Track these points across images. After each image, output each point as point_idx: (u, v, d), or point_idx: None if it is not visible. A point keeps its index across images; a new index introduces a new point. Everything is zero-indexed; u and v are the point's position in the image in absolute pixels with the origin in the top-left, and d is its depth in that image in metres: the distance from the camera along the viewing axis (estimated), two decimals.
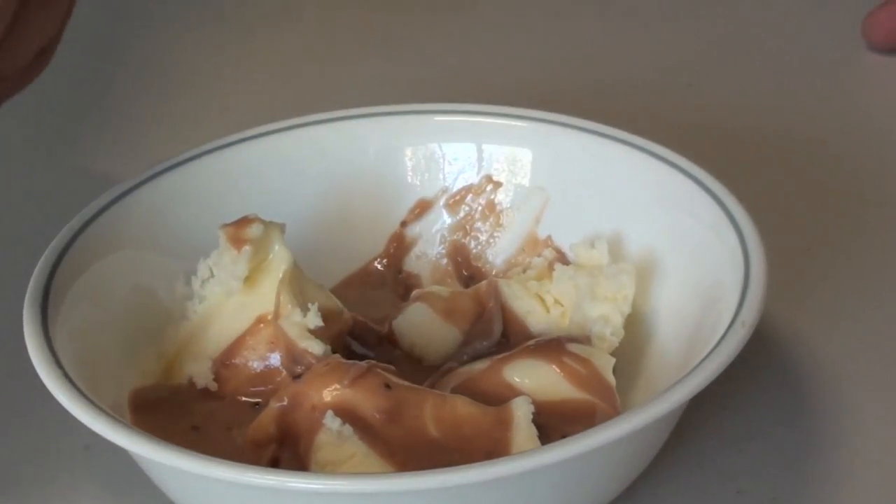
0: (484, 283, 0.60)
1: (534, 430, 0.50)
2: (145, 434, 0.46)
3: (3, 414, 0.60)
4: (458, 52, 0.97)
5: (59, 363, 0.49)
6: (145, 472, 0.51)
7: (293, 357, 0.54)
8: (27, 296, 0.53)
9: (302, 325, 0.54)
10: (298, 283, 0.56)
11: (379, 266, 0.66)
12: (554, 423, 0.51)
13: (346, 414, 0.49)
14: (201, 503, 0.50)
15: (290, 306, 0.54)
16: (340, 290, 0.63)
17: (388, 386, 0.50)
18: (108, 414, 0.47)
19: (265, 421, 0.51)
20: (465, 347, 0.58)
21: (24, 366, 0.51)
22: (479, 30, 1.01)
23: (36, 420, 0.59)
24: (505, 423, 0.50)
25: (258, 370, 0.55)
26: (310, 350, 0.53)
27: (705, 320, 0.52)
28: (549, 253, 0.63)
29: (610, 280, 0.56)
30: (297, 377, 0.52)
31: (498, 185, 0.65)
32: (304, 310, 0.54)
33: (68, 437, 0.57)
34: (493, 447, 0.49)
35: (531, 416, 0.50)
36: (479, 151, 0.65)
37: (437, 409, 0.50)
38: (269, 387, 0.54)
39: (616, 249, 0.59)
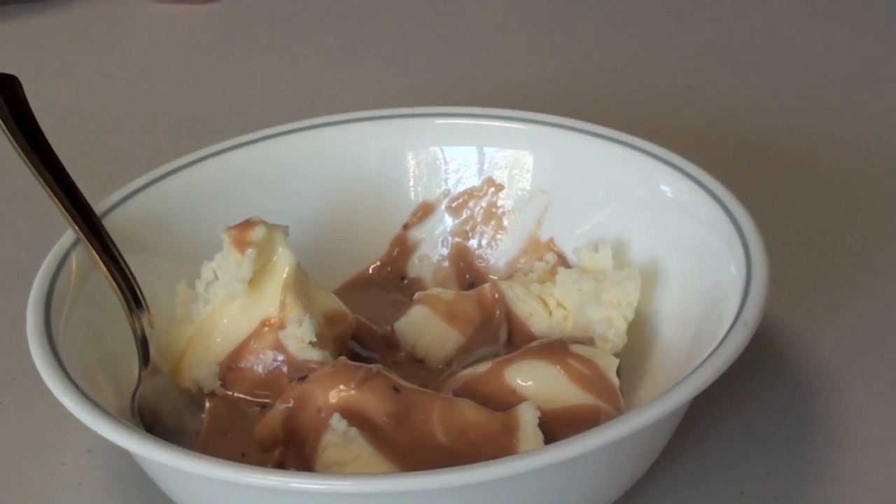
0: (487, 285, 0.60)
1: (539, 435, 0.50)
2: (149, 436, 0.47)
3: (6, 417, 0.60)
4: (459, 56, 0.97)
5: (62, 366, 0.49)
6: (148, 474, 0.51)
7: (294, 367, 0.54)
8: (30, 299, 0.53)
9: (299, 338, 0.54)
10: (302, 286, 0.56)
11: (381, 269, 0.66)
12: (559, 427, 0.51)
13: (353, 416, 0.49)
14: None
15: (295, 309, 0.55)
16: (343, 292, 0.63)
17: (396, 389, 0.50)
18: (111, 416, 0.47)
19: (271, 422, 0.51)
20: (469, 353, 0.58)
21: (27, 369, 0.51)
22: (479, 34, 1.01)
23: (39, 423, 0.59)
24: (511, 429, 0.50)
25: (263, 374, 0.55)
26: (309, 359, 0.54)
27: (707, 321, 0.53)
28: (550, 257, 0.63)
29: (615, 286, 0.57)
30: (301, 379, 0.52)
31: (499, 187, 0.65)
32: (305, 317, 0.54)
33: (71, 440, 0.57)
34: (499, 452, 0.49)
35: (537, 421, 0.50)
36: (481, 154, 0.65)
37: (445, 414, 0.50)
38: (275, 391, 0.54)
39: (618, 251, 0.60)
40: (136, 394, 0.53)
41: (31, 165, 0.58)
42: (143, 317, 0.55)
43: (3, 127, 0.58)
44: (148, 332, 0.55)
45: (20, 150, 0.58)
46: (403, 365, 0.58)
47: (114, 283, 0.55)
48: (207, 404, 0.55)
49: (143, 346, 0.55)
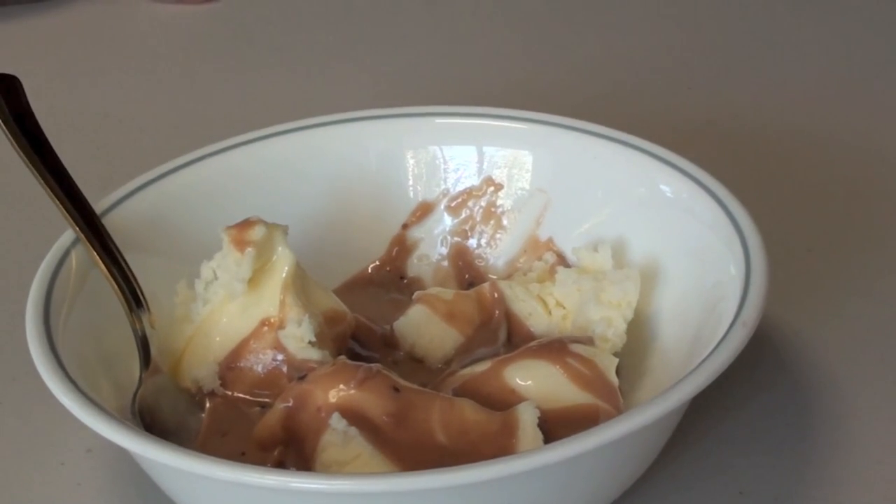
0: (486, 284, 0.60)
1: (539, 435, 0.50)
2: (149, 436, 0.47)
3: (6, 417, 0.60)
4: (459, 56, 0.97)
5: (62, 366, 0.49)
6: (148, 474, 0.51)
7: (294, 367, 0.54)
8: (30, 299, 0.53)
9: (298, 338, 0.54)
10: (302, 285, 0.56)
11: (381, 268, 0.66)
12: (558, 427, 0.51)
13: (353, 415, 0.49)
14: None
15: (294, 308, 0.55)
16: (343, 292, 0.63)
17: (396, 389, 0.50)
18: (111, 416, 0.47)
19: (271, 422, 0.51)
20: (468, 352, 0.58)
21: (26, 368, 0.51)
22: (479, 34, 1.01)
23: (39, 423, 0.59)
24: (511, 429, 0.50)
25: (263, 373, 0.55)
26: (309, 359, 0.54)
27: (707, 321, 0.53)
28: (550, 256, 0.63)
29: (615, 286, 0.57)
30: (301, 378, 0.52)
31: (499, 187, 0.65)
32: (304, 316, 0.54)
33: (71, 440, 0.57)
34: (499, 452, 0.49)
35: (537, 421, 0.50)
36: (480, 154, 0.65)
37: (445, 414, 0.50)
38: (275, 391, 0.54)
39: (617, 251, 0.60)
40: (136, 395, 0.53)
41: (31, 166, 0.57)
42: (144, 317, 0.55)
43: (4, 127, 0.58)
44: (149, 332, 0.55)
45: (20, 151, 0.58)
46: (403, 364, 0.58)
47: (114, 284, 0.55)
48: (208, 404, 0.55)
49: (144, 346, 0.55)
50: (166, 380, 0.55)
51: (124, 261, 0.56)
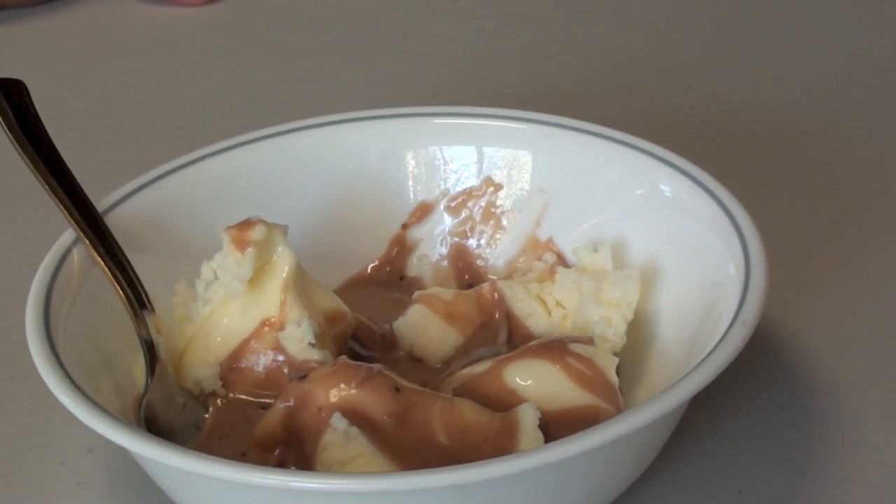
0: (486, 284, 0.60)
1: (540, 436, 0.50)
2: (149, 435, 0.47)
3: (6, 417, 0.60)
4: (459, 56, 0.97)
5: (62, 365, 0.49)
6: (148, 474, 0.51)
7: (295, 368, 0.54)
8: (30, 298, 0.53)
9: (299, 339, 0.54)
10: (302, 285, 0.56)
11: (380, 269, 0.66)
12: (558, 426, 0.51)
13: (354, 415, 0.49)
14: None
15: (295, 308, 0.55)
16: (342, 292, 0.63)
17: (397, 389, 0.50)
18: (111, 415, 0.47)
19: (271, 421, 0.51)
20: (468, 353, 0.58)
21: (27, 368, 0.51)
22: (479, 34, 1.01)
23: (39, 423, 0.59)
24: (511, 430, 0.50)
25: (264, 374, 0.55)
26: (310, 359, 0.54)
27: (706, 320, 0.53)
28: (549, 256, 0.63)
29: (615, 286, 0.57)
30: (302, 378, 0.52)
31: (498, 187, 0.65)
32: (304, 317, 0.54)
33: (71, 440, 0.57)
34: (499, 453, 0.48)
35: (537, 422, 0.50)
36: (480, 154, 0.65)
37: (445, 415, 0.50)
38: (276, 391, 0.54)
39: (617, 251, 0.60)
40: (143, 400, 0.53)
41: (35, 171, 0.57)
42: (149, 320, 0.55)
43: (8, 132, 0.58)
44: (154, 335, 0.55)
45: (24, 155, 0.57)
46: (403, 364, 0.58)
47: (119, 290, 0.55)
48: (210, 406, 0.55)
49: (150, 349, 0.55)
50: (174, 383, 0.55)
51: (129, 264, 0.56)
